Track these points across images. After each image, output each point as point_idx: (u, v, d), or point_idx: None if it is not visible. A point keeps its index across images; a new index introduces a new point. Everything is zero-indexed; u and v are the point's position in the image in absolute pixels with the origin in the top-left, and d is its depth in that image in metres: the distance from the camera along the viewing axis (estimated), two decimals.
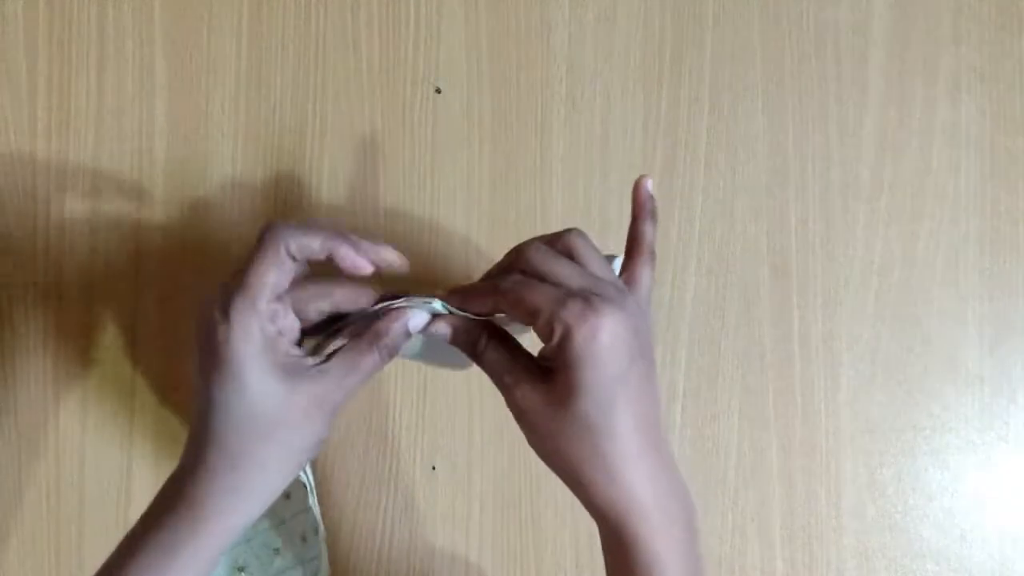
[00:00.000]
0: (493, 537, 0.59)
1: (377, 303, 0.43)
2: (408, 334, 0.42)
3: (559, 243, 0.43)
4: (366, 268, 0.42)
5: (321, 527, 0.51)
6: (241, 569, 0.50)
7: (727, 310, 0.60)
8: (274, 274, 0.40)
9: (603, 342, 0.38)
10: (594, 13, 0.60)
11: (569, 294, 0.39)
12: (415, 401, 0.59)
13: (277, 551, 0.51)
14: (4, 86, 0.58)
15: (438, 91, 0.60)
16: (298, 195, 0.59)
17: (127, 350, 0.58)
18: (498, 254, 0.59)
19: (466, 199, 0.59)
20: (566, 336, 0.38)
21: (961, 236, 0.60)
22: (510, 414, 0.42)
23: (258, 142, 0.59)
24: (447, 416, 0.59)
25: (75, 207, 0.58)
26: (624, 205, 0.60)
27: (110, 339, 0.58)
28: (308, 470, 0.50)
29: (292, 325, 0.42)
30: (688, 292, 0.60)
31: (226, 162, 0.59)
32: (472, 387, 0.59)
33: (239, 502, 0.40)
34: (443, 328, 0.43)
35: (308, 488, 0.50)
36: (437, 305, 0.43)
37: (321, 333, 0.44)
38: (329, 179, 0.59)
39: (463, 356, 0.44)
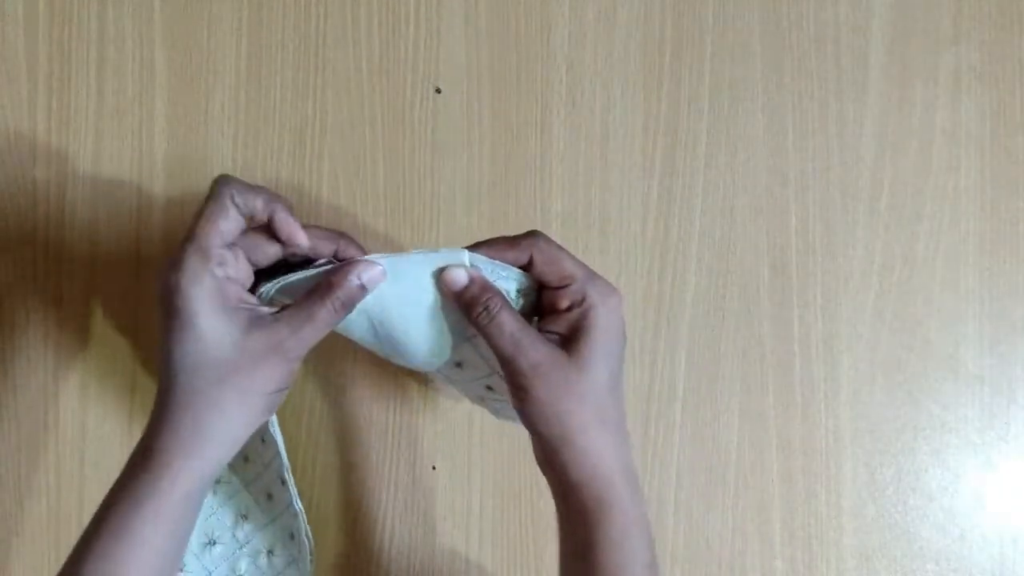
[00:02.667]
0: (493, 537, 0.59)
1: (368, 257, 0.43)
2: (362, 287, 0.42)
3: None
4: (302, 239, 0.43)
5: (288, 475, 0.49)
6: (212, 543, 0.50)
7: (727, 310, 0.60)
8: (221, 221, 0.41)
9: (617, 317, 0.43)
10: (594, 13, 0.60)
11: (594, 274, 0.44)
12: (415, 401, 0.59)
13: (244, 517, 0.51)
14: (4, 86, 0.58)
15: (438, 91, 0.60)
16: (298, 195, 0.59)
17: (127, 350, 0.58)
18: None
19: (466, 199, 0.59)
20: (592, 306, 0.43)
21: (961, 236, 0.60)
22: None
23: (258, 142, 0.59)
24: (447, 416, 0.59)
25: (75, 207, 0.58)
26: (624, 205, 0.60)
27: (110, 339, 0.58)
28: (275, 423, 0.49)
29: (245, 273, 0.43)
30: (688, 292, 0.60)
31: (226, 162, 0.59)
32: None
33: (200, 445, 0.40)
34: (460, 275, 0.43)
35: (275, 438, 0.48)
36: (465, 257, 0.43)
37: (273, 278, 0.44)
38: (329, 179, 0.59)
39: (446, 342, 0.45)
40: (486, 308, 0.42)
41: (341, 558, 0.58)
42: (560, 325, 0.44)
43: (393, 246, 0.59)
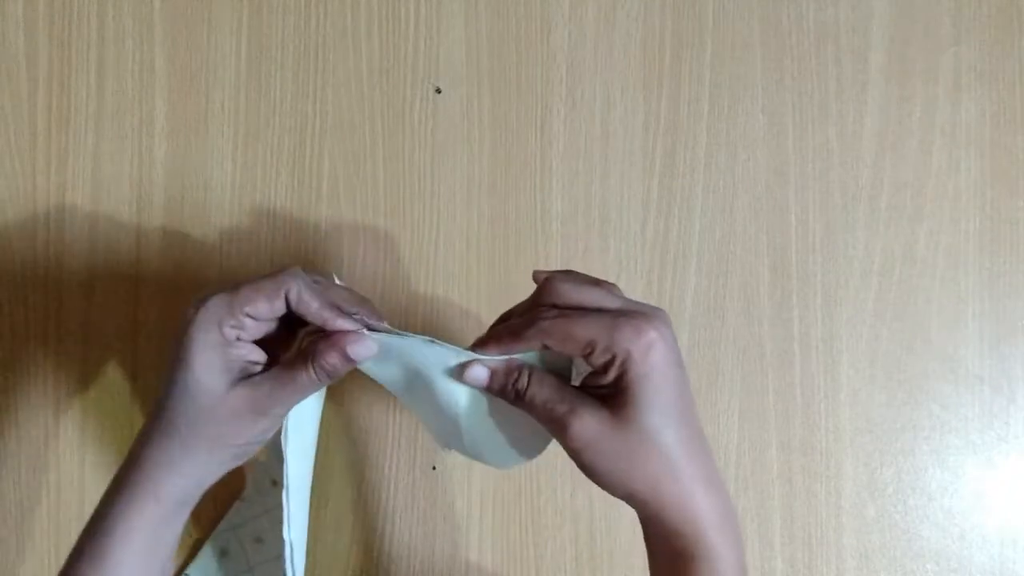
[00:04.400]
0: (493, 537, 0.59)
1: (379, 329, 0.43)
2: (348, 358, 0.42)
3: (571, 275, 0.43)
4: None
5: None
6: (224, 553, 0.51)
7: (727, 310, 0.60)
8: (263, 301, 0.41)
9: (660, 356, 0.39)
10: (594, 13, 0.60)
11: (616, 317, 0.39)
12: None
13: (224, 553, 0.52)
14: (4, 86, 0.58)
15: (438, 91, 0.60)
16: (298, 195, 0.59)
17: (127, 350, 0.58)
18: (498, 254, 0.59)
19: (466, 199, 0.59)
20: (624, 359, 0.38)
21: (961, 236, 0.60)
22: None
23: (258, 142, 0.59)
24: None
25: (75, 207, 0.58)
26: (624, 205, 0.60)
27: (110, 339, 0.58)
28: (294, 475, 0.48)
29: (262, 333, 0.43)
30: (688, 292, 0.60)
31: (226, 162, 0.59)
32: None
33: (172, 475, 0.42)
34: (480, 372, 0.42)
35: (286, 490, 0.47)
36: (465, 356, 0.42)
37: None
38: (329, 179, 0.59)
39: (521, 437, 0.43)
40: (515, 391, 0.41)
41: (342, 558, 0.58)
42: (604, 378, 0.40)
43: (393, 246, 0.59)
